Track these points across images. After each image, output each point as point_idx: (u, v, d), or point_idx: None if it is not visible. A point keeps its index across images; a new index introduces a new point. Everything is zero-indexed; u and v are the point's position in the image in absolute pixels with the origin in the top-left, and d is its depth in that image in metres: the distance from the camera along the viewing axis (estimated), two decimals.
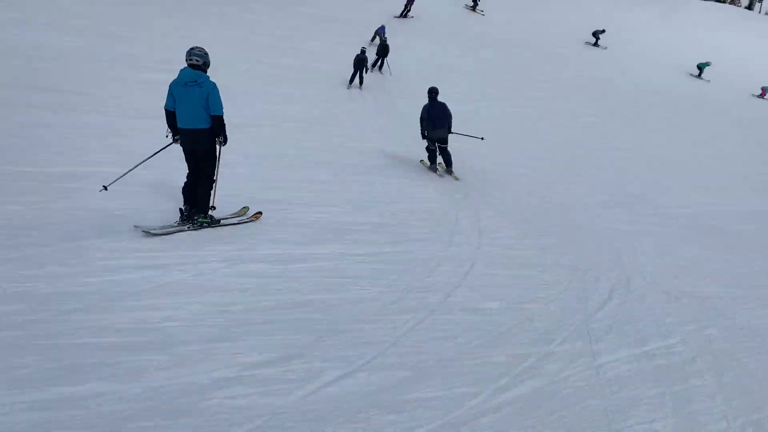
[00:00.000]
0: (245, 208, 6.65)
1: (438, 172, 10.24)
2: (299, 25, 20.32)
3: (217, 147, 5.65)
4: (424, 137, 10.02)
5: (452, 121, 9.96)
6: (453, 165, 10.29)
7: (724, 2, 49.53)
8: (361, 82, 15.96)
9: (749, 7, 50.72)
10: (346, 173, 9.51)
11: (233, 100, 12.13)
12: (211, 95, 5.27)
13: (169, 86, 5.37)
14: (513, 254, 6.81)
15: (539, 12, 31.69)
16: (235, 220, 6.25)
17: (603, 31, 28.52)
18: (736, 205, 12.04)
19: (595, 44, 28.55)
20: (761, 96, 26.80)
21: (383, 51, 17.77)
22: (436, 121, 9.67)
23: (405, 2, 25.37)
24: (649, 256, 7.74)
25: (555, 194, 10.83)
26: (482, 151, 12.69)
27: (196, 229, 5.75)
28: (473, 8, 28.99)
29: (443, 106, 9.82)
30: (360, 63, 15.64)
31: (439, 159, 10.36)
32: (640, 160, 14.66)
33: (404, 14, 25.34)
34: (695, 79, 27.19)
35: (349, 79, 15.95)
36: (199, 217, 5.74)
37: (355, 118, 13.73)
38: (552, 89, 20.63)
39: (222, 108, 5.44)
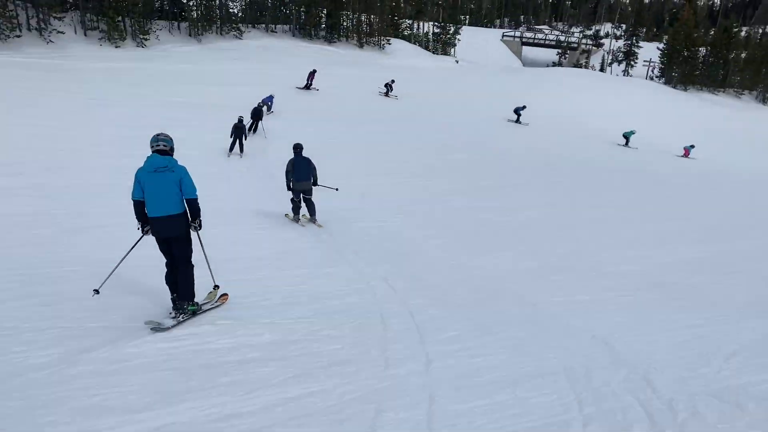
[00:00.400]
0: (214, 291, 5.85)
1: (300, 222, 10.29)
2: (161, 113, 18.10)
3: (192, 232, 5.28)
4: (289, 189, 10.15)
5: (317, 173, 10.23)
6: (317, 214, 10.36)
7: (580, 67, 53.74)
8: (241, 149, 15.85)
9: (602, 70, 55.43)
10: (223, 271, 7.01)
11: (93, 200, 9.76)
12: (184, 179, 5.07)
13: (136, 175, 5.02)
14: (480, 365, 4.61)
15: (458, 92, 31.73)
16: (208, 305, 5.60)
17: (524, 107, 27.90)
18: (675, 255, 10.85)
19: (517, 121, 27.98)
20: (684, 155, 27.12)
21: (257, 114, 18.42)
22: (300, 174, 9.98)
23: (307, 75, 26.28)
24: (639, 336, 5.88)
25: (480, 265, 9.04)
26: (388, 227, 10.93)
27: (188, 318, 5.18)
28: (386, 94, 28.51)
29: (307, 160, 10.12)
30: (238, 131, 15.70)
31: (304, 210, 10.38)
32: (557, 223, 13.29)
33: (307, 86, 26.12)
34: (624, 147, 26.95)
35: (229, 147, 15.77)
36: (188, 306, 5.24)
37: (234, 199, 11.40)
38: (457, 159, 19.51)
39: (196, 191, 5.17)
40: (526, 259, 9.81)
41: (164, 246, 5.22)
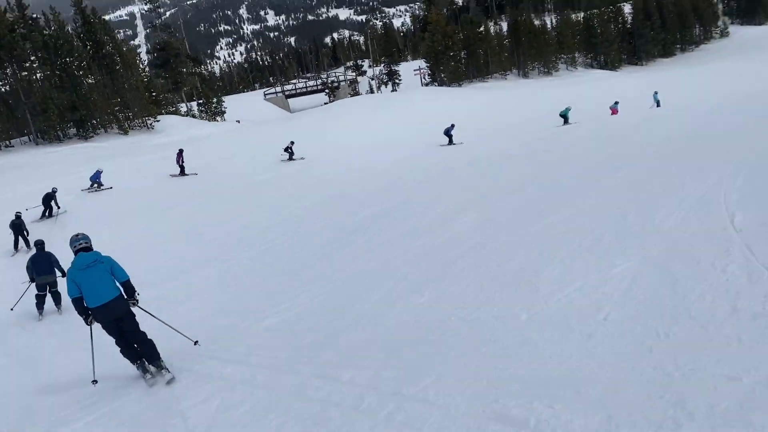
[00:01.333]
0: None
1: (39, 317, 10.15)
2: None
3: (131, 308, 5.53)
4: (32, 281, 10.39)
5: (60, 265, 10.25)
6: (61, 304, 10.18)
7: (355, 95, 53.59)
8: (27, 244, 14.92)
9: (372, 92, 56.32)
10: None
11: None
12: (114, 266, 5.41)
13: (68, 276, 5.31)
14: None
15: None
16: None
17: (452, 126, 25.14)
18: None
19: (450, 143, 24.80)
20: (613, 114, 26.16)
21: (47, 199, 17.86)
22: (40, 268, 10.26)
23: (175, 158, 23.22)
24: None
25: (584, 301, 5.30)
26: (347, 312, 6.84)
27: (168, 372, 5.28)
28: (290, 158, 24.94)
29: (48, 254, 10.45)
30: (17, 228, 15.03)
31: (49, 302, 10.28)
32: (558, 198, 9.89)
33: (182, 172, 23.25)
34: (564, 126, 24.74)
35: (12, 245, 15.05)
36: (161, 362, 5.38)
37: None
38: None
39: (126, 272, 5.49)
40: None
41: (113, 327, 5.39)
